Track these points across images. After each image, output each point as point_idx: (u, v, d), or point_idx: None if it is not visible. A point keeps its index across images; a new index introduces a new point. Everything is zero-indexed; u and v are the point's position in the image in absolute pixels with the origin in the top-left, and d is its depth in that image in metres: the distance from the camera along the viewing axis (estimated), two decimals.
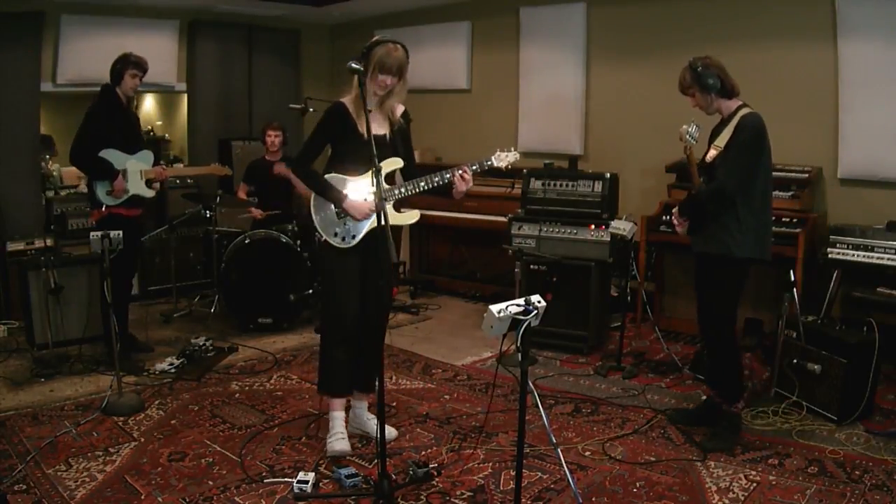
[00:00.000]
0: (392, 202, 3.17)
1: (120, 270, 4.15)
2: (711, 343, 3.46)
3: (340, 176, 3.14)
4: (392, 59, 3.00)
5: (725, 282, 3.28)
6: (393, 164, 3.18)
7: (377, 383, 2.77)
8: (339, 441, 3.22)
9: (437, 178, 3.13)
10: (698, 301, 3.47)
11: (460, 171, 3.11)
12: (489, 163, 3.19)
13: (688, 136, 3.11)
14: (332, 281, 3.22)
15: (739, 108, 3.22)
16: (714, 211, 3.18)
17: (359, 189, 3.12)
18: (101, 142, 4.24)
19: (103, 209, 4.28)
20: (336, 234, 3.13)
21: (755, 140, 3.14)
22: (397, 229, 2.92)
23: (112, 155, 4.26)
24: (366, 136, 3.05)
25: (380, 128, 3.14)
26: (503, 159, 3.21)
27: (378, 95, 3.09)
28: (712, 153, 3.23)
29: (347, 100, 3.11)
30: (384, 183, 3.12)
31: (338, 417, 3.29)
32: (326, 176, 3.14)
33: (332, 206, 3.12)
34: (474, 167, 3.15)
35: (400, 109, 3.23)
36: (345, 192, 3.11)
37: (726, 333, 3.33)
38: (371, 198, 3.07)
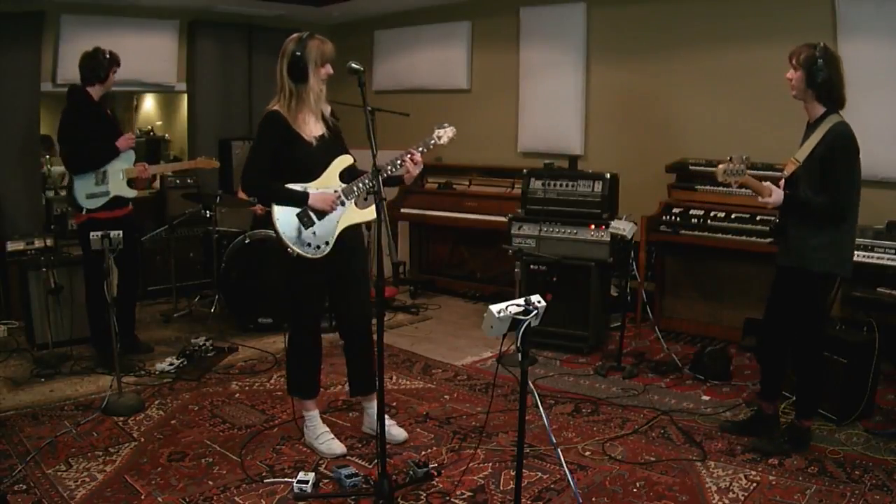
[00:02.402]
0: (353, 199, 3.12)
1: (119, 271, 4.15)
2: (797, 357, 3.35)
3: (298, 185, 3.07)
4: (328, 48, 3.03)
5: (819, 296, 3.22)
6: (345, 161, 3.15)
7: (377, 382, 2.77)
8: (333, 443, 3.25)
9: (389, 167, 3.02)
10: (772, 312, 3.35)
11: (409, 155, 3.04)
12: (432, 142, 3.09)
13: (727, 176, 2.97)
14: (299, 288, 3.18)
15: (826, 114, 3.04)
16: (821, 225, 3.06)
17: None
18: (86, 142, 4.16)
19: (83, 213, 4.18)
20: (310, 246, 3.07)
21: (855, 152, 3.02)
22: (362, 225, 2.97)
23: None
24: (314, 142, 3.05)
25: (319, 128, 3.12)
26: (443, 135, 3.10)
27: (322, 91, 3.07)
28: (791, 167, 3.11)
29: (280, 107, 3.04)
30: (341, 182, 3.12)
31: (315, 416, 3.32)
32: (287, 186, 3.08)
33: (297, 219, 3.05)
34: (421, 149, 3.07)
35: (328, 109, 3.21)
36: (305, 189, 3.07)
37: (818, 347, 3.28)
38: (327, 190, 3.07)
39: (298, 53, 2.96)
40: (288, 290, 3.24)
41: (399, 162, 3.04)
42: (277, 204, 3.06)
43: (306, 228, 3.06)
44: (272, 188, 3.09)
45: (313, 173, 3.09)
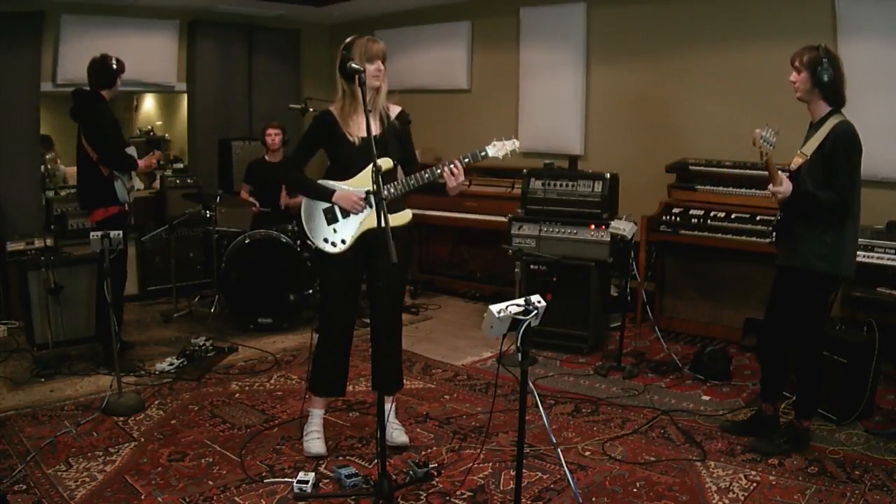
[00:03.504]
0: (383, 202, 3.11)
1: (117, 270, 4.17)
2: (797, 357, 3.34)
3: (331, 181, 3.13)
4: (375, 47, 3.03)
5: (821, 297, 3.21)
6: (383, 164, 3.07)
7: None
8: (314, 442, 3.23)
9: (426, 175, 3.05)
10: (773, 313, 3.34)
11: (451, 165, 3.01)
12: (483, 154, 3.02)
13: (762, 142, 2.92)
14: (324, 287, 3.26)
15: (830, 113, 3.07)
16: (826, 222, 3.05)
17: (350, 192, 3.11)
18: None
19: (126, 207, 4.43)
20: (327, 241, 3.10)
21: (859, 150, 3.04)
22: (400, 230, 2.86)
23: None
24: (357, 142, 3.07)
25: (373, 128, 3.06)
26: (500, 149, 3.04)
27: (371, 91, 3.02)
28: (798, 160, 3.12)
29: (334, 108, 3.11)
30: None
31: (316, 415, 3.32)
32: (319, 181, 3.14)
33: (322, 214, 3.11)
34: (466, 159, 3.02)
35: (395, 110, 3.20)
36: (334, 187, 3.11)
37: (818, 348, 3.28)
38: (357, 190, 3.08)
39: (345, 52, 3.01)
40: (319, 287, 3.26)
41: (437, 170, 3.02)
42: (308, 197, 3.16)
43: (328, 224, 3.11)
44: (303, 182, 3.19)
45: (348, 173, 3.12)
